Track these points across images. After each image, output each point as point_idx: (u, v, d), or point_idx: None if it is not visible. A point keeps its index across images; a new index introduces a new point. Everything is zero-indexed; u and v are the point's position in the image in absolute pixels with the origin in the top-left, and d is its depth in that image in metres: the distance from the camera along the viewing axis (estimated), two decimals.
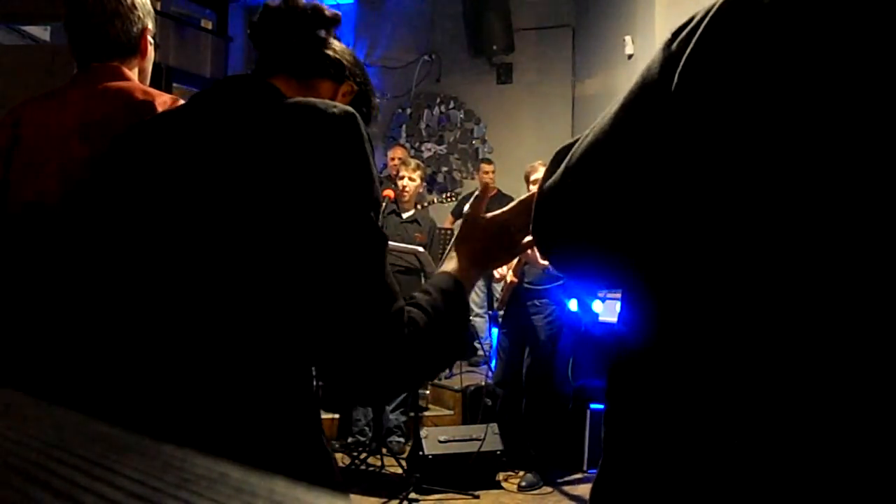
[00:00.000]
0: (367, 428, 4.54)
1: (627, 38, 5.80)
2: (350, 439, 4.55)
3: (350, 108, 0.98)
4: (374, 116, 1.26)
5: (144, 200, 1.00)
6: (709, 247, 0.74)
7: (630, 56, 5.81)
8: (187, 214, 0.96)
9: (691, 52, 0.74)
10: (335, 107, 0.98)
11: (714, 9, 0.75)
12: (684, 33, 0.77)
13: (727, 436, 0.70)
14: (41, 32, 4.37)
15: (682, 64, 0.74)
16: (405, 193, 4.73)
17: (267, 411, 0.94)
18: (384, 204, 4.65)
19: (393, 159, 6.07)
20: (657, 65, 0.78)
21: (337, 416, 4.69)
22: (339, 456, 4.28)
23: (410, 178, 4.73)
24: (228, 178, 0.95)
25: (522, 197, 1.18)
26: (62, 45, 1.57)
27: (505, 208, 1.18)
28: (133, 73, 1.54)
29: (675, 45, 0.77)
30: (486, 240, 1.17)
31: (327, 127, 0.96)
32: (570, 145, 0.87)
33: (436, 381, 5.29)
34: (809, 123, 0.68)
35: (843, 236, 0.67)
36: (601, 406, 4.23)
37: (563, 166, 0.86)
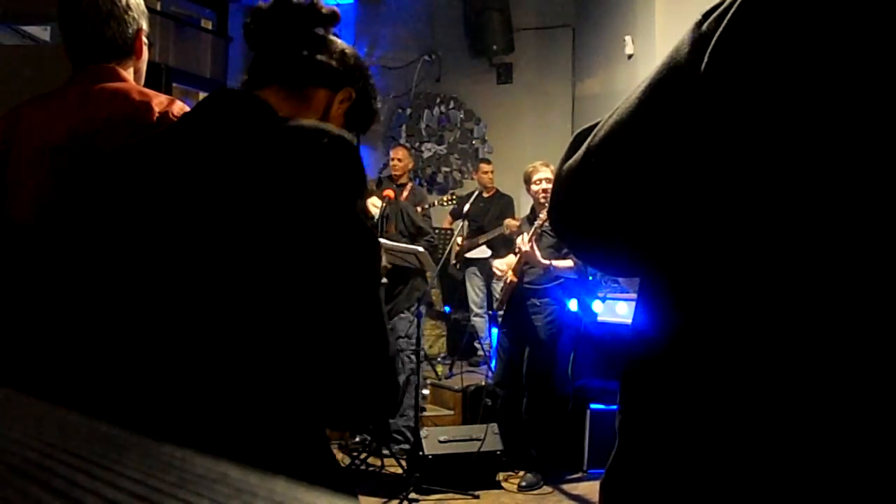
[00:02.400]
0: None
1: (627, 38, 5.80)
2: (357, 438, 4.54)
3: (340, 134, 0.97)
4: (375, 120, 1.24)
5: (126, 228, 1.00)
6: (734, 242, 0.71)
7: (630, 56, 5.81)
8: (179, 237, 0.95)
9: (722, 32, 0.71)
10: (326, 134, 0.96)
11: None
12: (716, 14, 0.74)
13: (751, 440, 0.69)
14: (41, 32, 4.37)
15: (712, 45, 0.72)
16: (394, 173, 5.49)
17: (270, 417, 0.94)
18: (384, 204, 4.67)
19: (394, 160, 6.08)
20: (686, 45, 0.75)
21: None
22: (339, 456, 4.27)
23: (399, 159, 5.54)
24: (217, 209, 0.94)
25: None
26: (62, 45, 1.57)
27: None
28: (128, 74, 1.54)
29: (705, 25, 0.74)
30: None
31: (315, 158, 0.94)
32: (592, 127, 0.83)
33: (436, 381, 5.29)
34: (842, 112, 0.66)
35: (881, 234, 0.65)
36: (601, 406, 4.24)
37: (584, 147, 0.82)
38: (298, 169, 0.94)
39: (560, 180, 0.86)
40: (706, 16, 0.75)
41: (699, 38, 0.74)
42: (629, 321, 0.87)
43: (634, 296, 0.87)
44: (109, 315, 0.99)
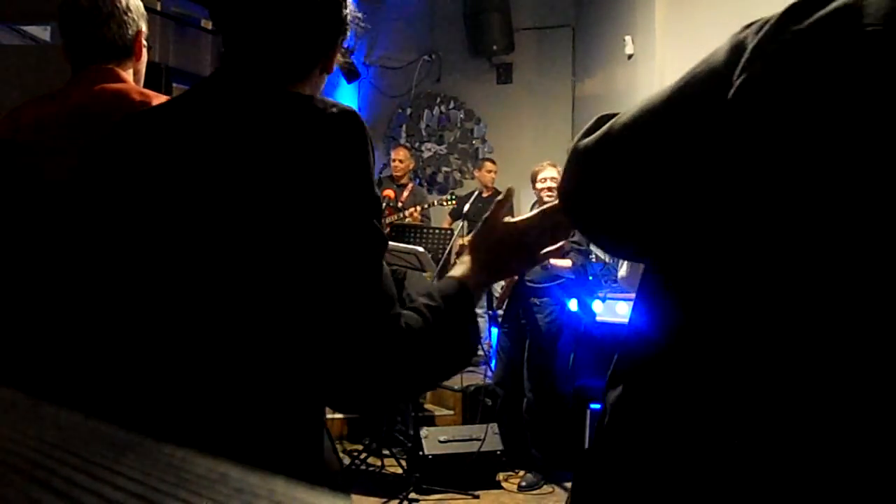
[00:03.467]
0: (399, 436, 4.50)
1: (627, 38, 5.80)
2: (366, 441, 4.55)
3: (349, 108, 0.97)
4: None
5: (137, 202, 0.99)
6: (737, 245, 0.72)
7: (630, 56, 5.80)
8: (182, 215, 0.95)
9: (755, 53, 0.70)
10: (334, 106, 0.96)
11: (812, 21, 0.68)
12: (755, 27, 0.73)
13: (746, 439, 0.69)
14: (41, 32, 4.37)
15: (745, 56, 0.71)
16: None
17: (266, 412, 0.94)
18: (383, 203, 4.67)
19: (395, 160, 6.08)
20: (723, 52, 0.74)
21: (350, 416, 4.69)
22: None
23: (400, 160, 5.85)
24: (225, 181, 0.94)
25: (545, 206, 1.12)
26: (62, 45, 1.57)
27: (526, 215, 1.12)
28: (128, 75, 1.54)
29: (745, 34, 0.73)
30: (501, 247, 1.10)
31: (326, 129, 0.94)
32: (616, 113, 0.83)
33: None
34: (850, 132, 0.65)
35: (880, 239, 0.65)
36: (601, 406, 4.22)
37: (603, 130, 0.81)
38: (308, 136, 0.93)
39: (575, 156, 0.85)
40: (747, 28, 0.75)
41: (736, 45, 0.73)
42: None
43: (634, 296, 0.87)
44: (102, 304, 0.99)
